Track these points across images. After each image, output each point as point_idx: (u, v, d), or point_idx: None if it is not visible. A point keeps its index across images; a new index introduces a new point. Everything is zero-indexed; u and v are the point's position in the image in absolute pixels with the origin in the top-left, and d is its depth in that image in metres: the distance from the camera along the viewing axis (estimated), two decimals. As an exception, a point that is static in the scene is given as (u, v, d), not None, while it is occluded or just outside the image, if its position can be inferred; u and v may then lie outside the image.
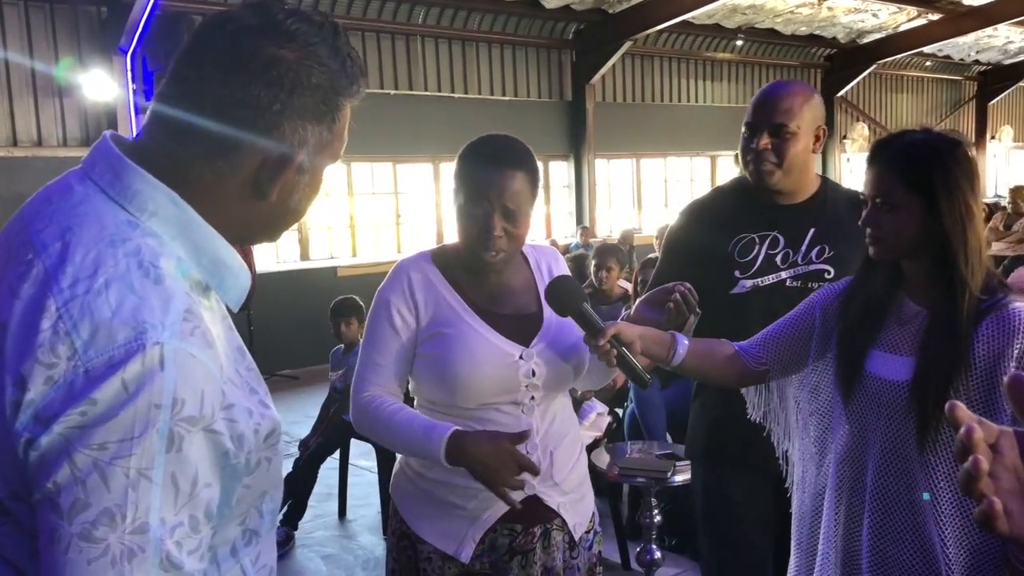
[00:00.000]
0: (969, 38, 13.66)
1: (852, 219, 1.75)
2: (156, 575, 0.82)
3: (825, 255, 2.10)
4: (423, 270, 1.82)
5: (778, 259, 2.11)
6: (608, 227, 11.68)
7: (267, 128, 0.94)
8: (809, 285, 2.06)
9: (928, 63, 15.53)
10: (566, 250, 9.94)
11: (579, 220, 11.42)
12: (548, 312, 1.81)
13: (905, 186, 1.54)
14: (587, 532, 1.89)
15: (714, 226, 2.20)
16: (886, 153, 1.58)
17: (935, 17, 12.43)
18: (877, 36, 13.33)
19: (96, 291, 0.85)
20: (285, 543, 4.25)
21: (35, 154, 7.22)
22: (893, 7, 11.91)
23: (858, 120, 14.68)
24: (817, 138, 2.11)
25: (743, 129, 2.11)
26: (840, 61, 13.97)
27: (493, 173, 1.71)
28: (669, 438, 4.19)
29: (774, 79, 13.55)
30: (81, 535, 0.79)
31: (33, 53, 7.33)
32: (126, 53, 7.34)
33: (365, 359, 1.82)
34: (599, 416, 3.93)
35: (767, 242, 2.12)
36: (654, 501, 3.37)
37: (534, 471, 1.67)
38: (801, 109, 2.06)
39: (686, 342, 1.76)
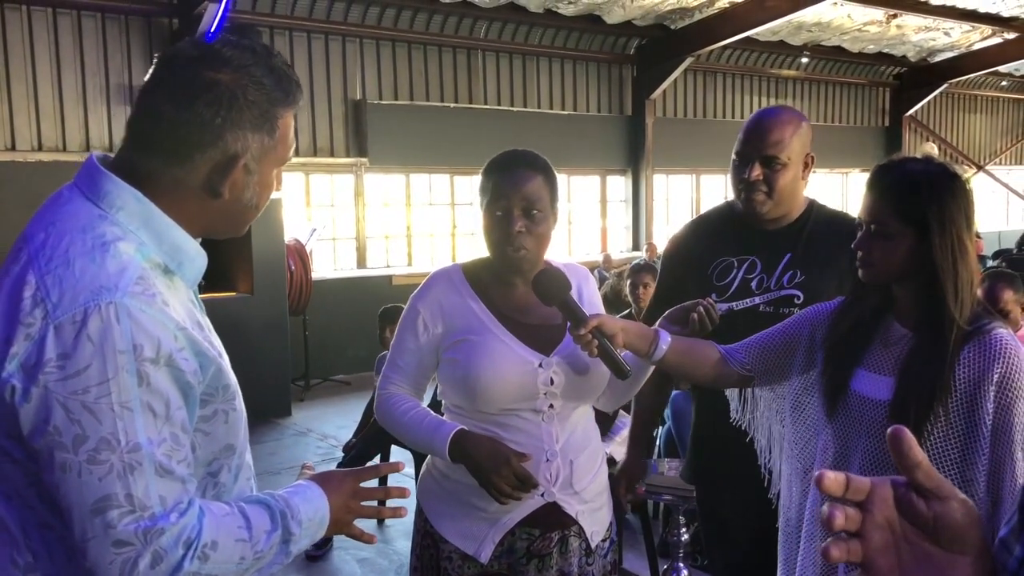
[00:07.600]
0: (1048, 57, 13.28)
1: (829, 243, 1.77)
2: (154, 480, 1.03)
3: (796, 280, 2.12)
4: (452, 280, 1.91)
5: (753, 284, 2.15)
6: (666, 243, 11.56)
7: (213, 138, 1.13)
8: (781, 311, 2.09)
9: (1004, 83, 15.12)
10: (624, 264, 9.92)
11: (635, 234, 11.38)
12: None
13: (898, 216, 1.54)
14: (603, 540, 1.93)
15: (698, 248, 2.26)
16: (884, 180, 1.59)
17: (1011, 36, 12.10)
18: (949, 55, 13.03)
19: (65, 265, 1.04)
20: (323, 545, 4.34)
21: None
22: (966, 25, 11.62)
23: (927, 140, 14.35)
24: (806, 165, 2.14)
25: (733, 157, 2.14)
26: (910, 80, 13.71)
27: (509, 174, 1.82)
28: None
29: (841, 97, 13.38)
30: (88, 460, 1.00)
31: (108, 62, 7.66)
32: (195, 63, 7.58)
33: (390, 359, 1.95)
34: (631, 432, 3.92)
35: (745, 266, 2.16)
36: (682, 519, 3.36)
37: (531, 484, 1.73)
38: (791, 139, 2.08)
39: (669, 338, 1.76)
